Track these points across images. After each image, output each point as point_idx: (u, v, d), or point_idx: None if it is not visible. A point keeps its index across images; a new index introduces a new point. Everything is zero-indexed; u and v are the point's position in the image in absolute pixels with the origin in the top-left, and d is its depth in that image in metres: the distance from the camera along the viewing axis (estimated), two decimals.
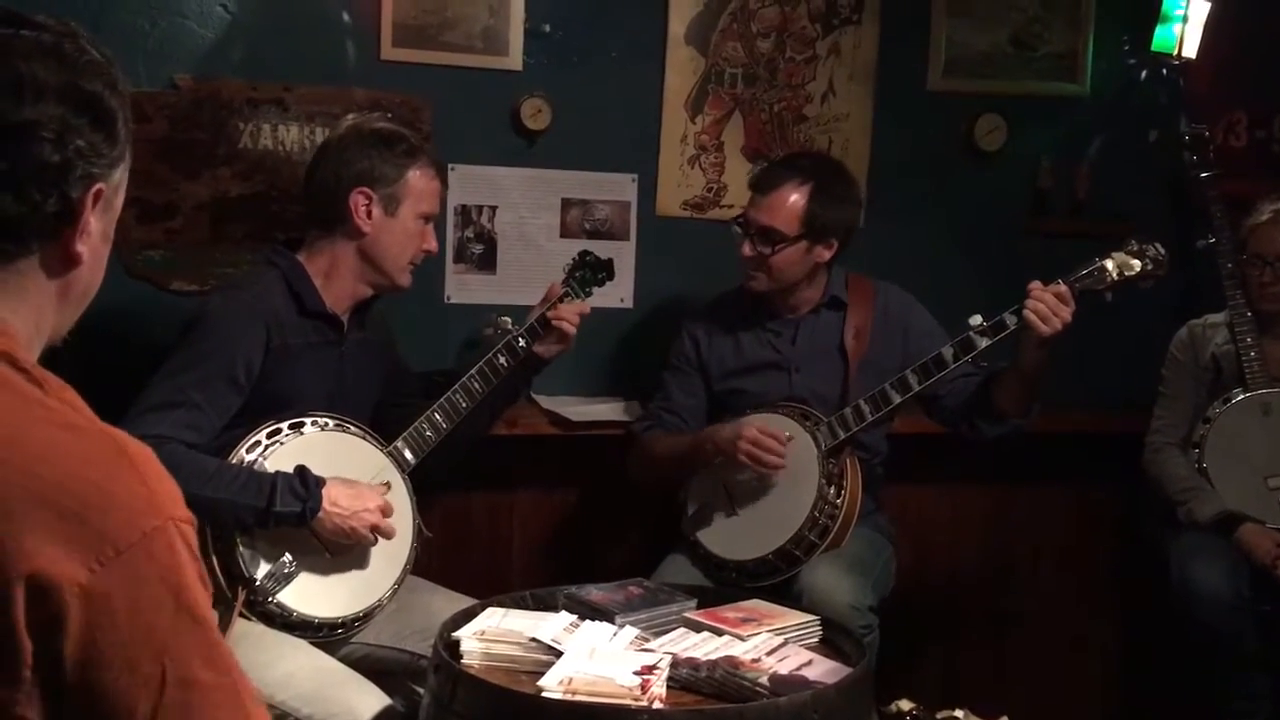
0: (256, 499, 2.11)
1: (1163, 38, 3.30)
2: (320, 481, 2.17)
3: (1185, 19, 3.26)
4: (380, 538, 2.26)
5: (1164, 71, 3.39)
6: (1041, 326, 2.41)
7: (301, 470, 2.17)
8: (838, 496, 2.55)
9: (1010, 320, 2.45)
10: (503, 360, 2.54)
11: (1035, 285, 2.43)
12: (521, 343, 2.57)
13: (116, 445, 0.97)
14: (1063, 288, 2.42)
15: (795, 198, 2.63)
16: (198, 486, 2.07)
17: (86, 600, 0.90)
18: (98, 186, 1.02)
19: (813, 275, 2.72)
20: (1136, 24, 3.36)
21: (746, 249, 2.66)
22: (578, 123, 3.10)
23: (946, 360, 2.48)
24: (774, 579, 2.52)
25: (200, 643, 0.95)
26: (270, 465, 2.18)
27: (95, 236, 1.05)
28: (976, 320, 2.44)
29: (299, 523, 2.15)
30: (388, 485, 2.31)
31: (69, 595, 0.89)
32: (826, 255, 2.67)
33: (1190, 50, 3.28)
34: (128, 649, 0.91)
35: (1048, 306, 2.41)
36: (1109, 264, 2.43)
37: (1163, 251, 2.44)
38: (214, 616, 0.98)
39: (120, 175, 1.06)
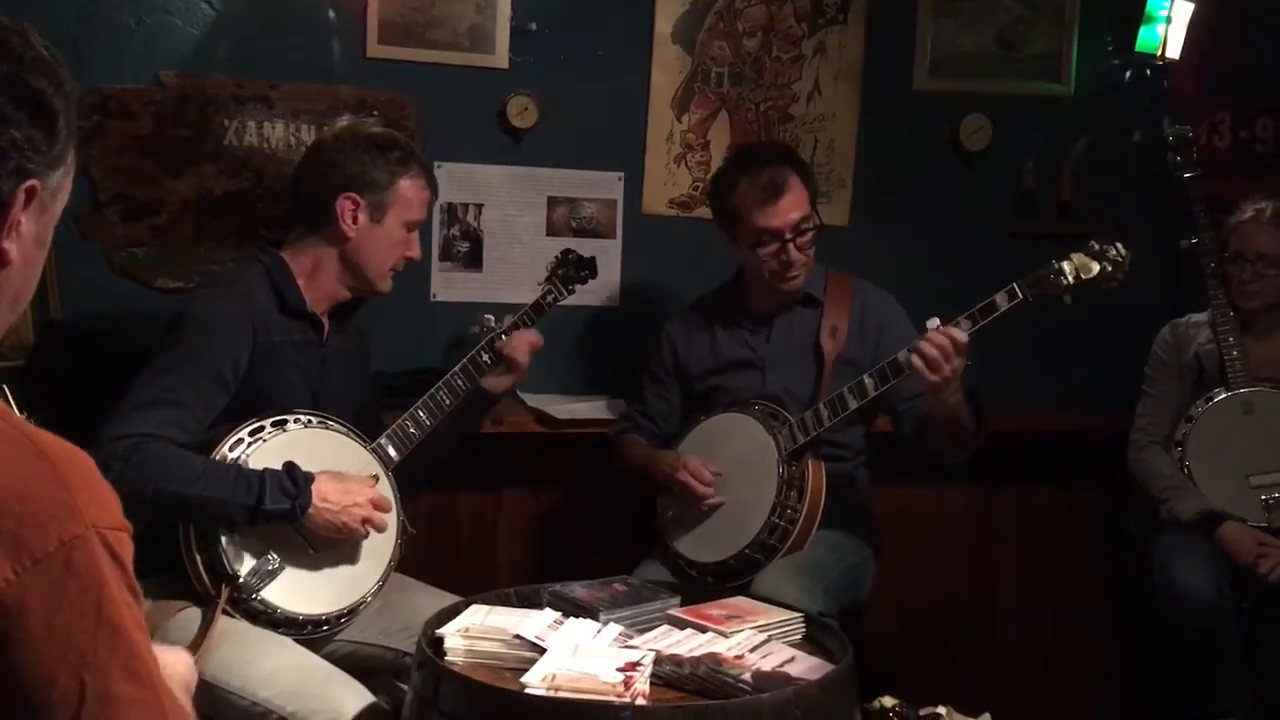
0: (246, 497, 2.10)
1: (1147, 38, 3.32)
2: (309, 478, 2.16)
3: (1169, 20, 3.28)
4: (372, 531, 2.26)
5: (1148, 72, 3.40)
6: (927, 373, 2.34)
7: (290, 467, 2.16)
8: (798, 501, 2.53)
9: (902, 357, 2.41)
10: (486, 357, 2.55)
11: (933, 326, 2.35)
12: (504, 339, 2.57)
13: (36, 449, 0.92)
14: (961, 334, 2.33)
15: (800, 184, 2.65)
16: (187, 485, 2.07)
17: (1, 608, 0.87)
18: (30, 183, 0.98)
19: None
20: (1121, 25, 3.38)
21: (796, 254, 2.62)
22: (564, 121, 3.10)
23: (901, 365, 2.43)
24: (736, 582, 2.50)
25: (123, 656, 0.92)
26: (254, 462, 2.17)
27: (27, 238, 1.00)
28: (934, 323, 2.38)
29: (289, 520, 2.14)
30: (375, 478, 2.31)
31: None
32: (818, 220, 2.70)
33: (1174, 51, 3.30)
34: (44, 662, 0.88)
35: (939, 352, 2.33)
36: (1066, 266, 2.33)
37: (1124, 252, 2.34)
38: (142, 628, 0.95)
39: (60, 178, 1.02)
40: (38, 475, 0.91)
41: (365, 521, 2.22)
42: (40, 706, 0.88)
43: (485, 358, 2.54)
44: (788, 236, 2.62)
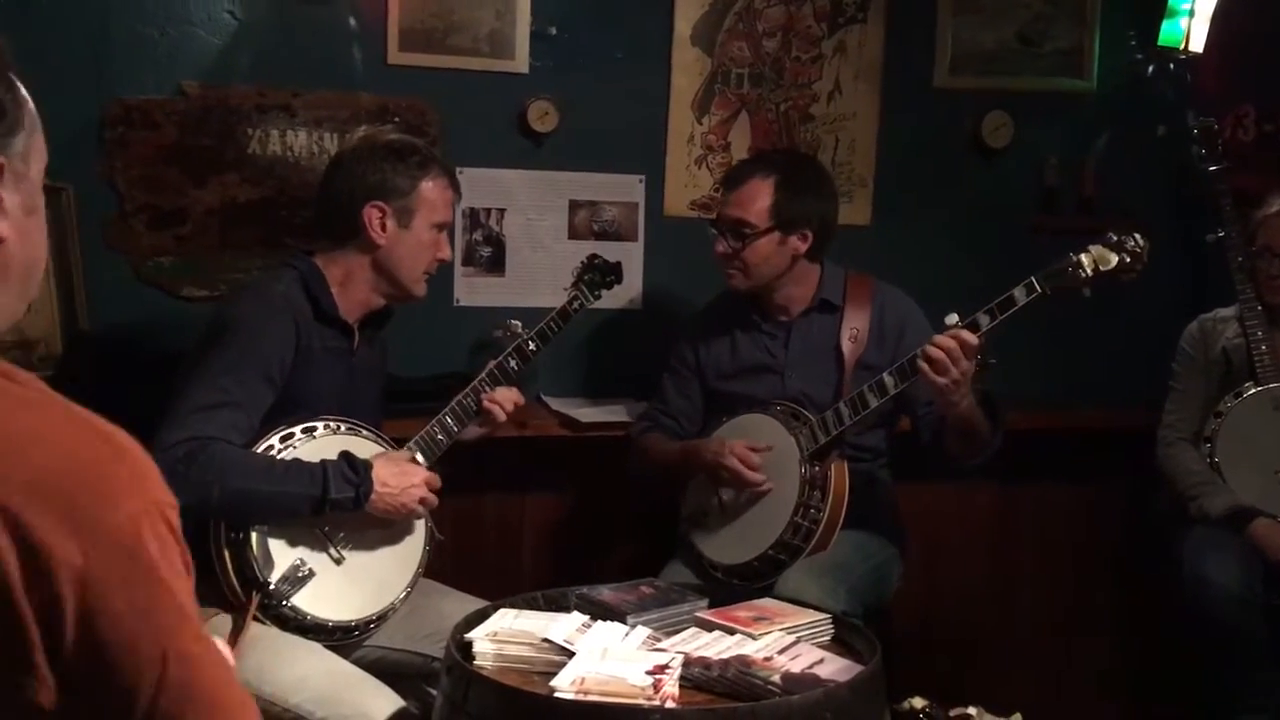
0: (311, 488, 2.13)
1: (1169, 32, 3.29)
2: (368, 464, 2.20)
3: (1191, 13, 3.25)
4: (401, 538, 2.29)
5: (1171, 66, 3.38)
6: (934, 376, 2.33)
7: (348, 455, 2.19)
8: (820, 500, 2.52)
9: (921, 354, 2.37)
10: (513, 363, 2.55)
11: (952, 323, 2.34)
12: (531, 346, 2.58)
13: (98, 431, 0.97)
14: (971, 336, 2.31)
15: (762, 189, 2.63)
16: (257, 481, 2.11)
17: (81, 584, 0.91)
18: None
19: (794, 271, 2.69)
20: (1143, 19, 3.35)
21: (720, 246, 2.67)
22: (585, 124, 3.11)
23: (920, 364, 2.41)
24: (761, 583, 2.49)
25: (189, 618, 0.97)
26: None
27: (16, 210, 1.01)
28: (953, 319, 2.36)
29: (354, 507, 2.17)
30: (416, 457, 2.35)
31: (64, 580, 0.90)
32: (802, 247, 2.65)
33: (1197, 44, 3.27)
34: (125, 632, 0.92)
35: (946, 354, 2.31)
36: (1084, 259, 2.30)
37: (1142, 243, 2.31)
38: (194, 594, 1.00)
39: (23, 143, 1.01)
40: (105, 455, 0.96)
41: (422, 501, 2.26)
42: (125, 672, 0.93)
43: (512, 364, 2.55)
44: (723, 228, 2.65)
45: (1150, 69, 3.40)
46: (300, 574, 2.18)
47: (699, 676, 1.89)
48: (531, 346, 2.58)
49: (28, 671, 0.91)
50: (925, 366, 2.34)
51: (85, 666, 0.92)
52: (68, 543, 0.91)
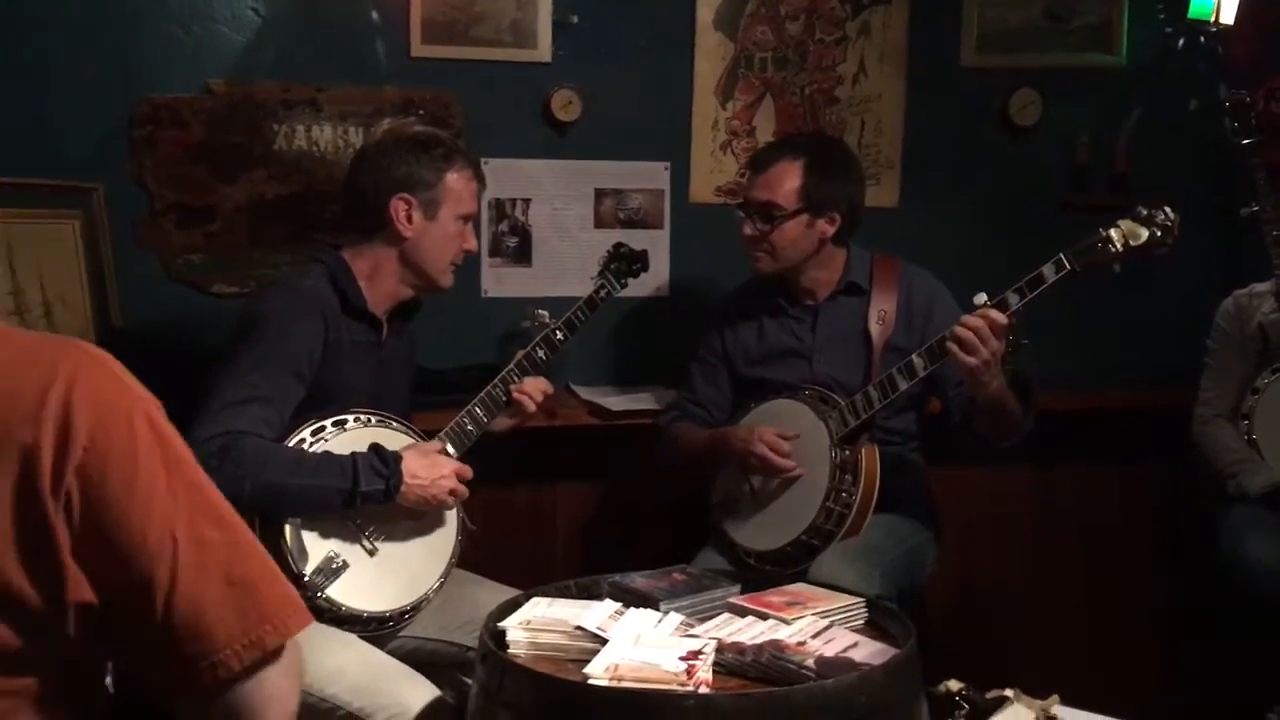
0: (341, 481, 2.15)
1: (1199, 4, 3.24)
2: (397, 456, 2.21)
3: None
4: (433, 529, 2.30)
5: (1202, 39, 3.33)
6: (963, 356, 2.33)
7: (377, 448, 2.21)
8: (852, 485, 2.51)
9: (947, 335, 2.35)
10: (541, 353, 2.56)
11: (981, 302, 2.33)
12: (559, 335, 2.59)
13: (79, 349, 1.04)
14: (1000, 315, 2.30)
15: (790, 172, 2.62)
16: (287, 474, 2.12)
17: (83, 477, 0.97)
18: None
19: (821, 254, 2.68)
20: None
21: (747, 229, 2.66)
22: (608, 113, 3.11)
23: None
24: (794, 568, 2.49)
25: (203, 503, 1.02)
26: None
27: None
28: (981, 299, 2.35)
29: (384, 499, 2.19)
30: (446, 448, 2.36)
31: (71, 478, 0.96)
32: (829, 230, 2.65)
33: (1228, 16, 3.23)
34: (132, 521, 0.98)
35: (975, 334, 2.31)
36: (1114, 234, 2.28)
37: (1172, 216, 2.28)
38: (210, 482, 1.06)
39: None
40: (88, 368, 1.02)
41: (452, 493, 2.27)
42: (143, 563, 0.98)
43: (540, 354, 2.56)
44: (751, 211, 2.64)
45: (1181, 42, 3.35)
46: (334, 566, 2.19)
47: (732, 662, 1.89)
48: (559, 336, 2.59)
49: (60, 570, 0.96)
50: (954, 347, 2.33)
51: (102, 561, 0.97)
52: (70, 445, 0.97)
